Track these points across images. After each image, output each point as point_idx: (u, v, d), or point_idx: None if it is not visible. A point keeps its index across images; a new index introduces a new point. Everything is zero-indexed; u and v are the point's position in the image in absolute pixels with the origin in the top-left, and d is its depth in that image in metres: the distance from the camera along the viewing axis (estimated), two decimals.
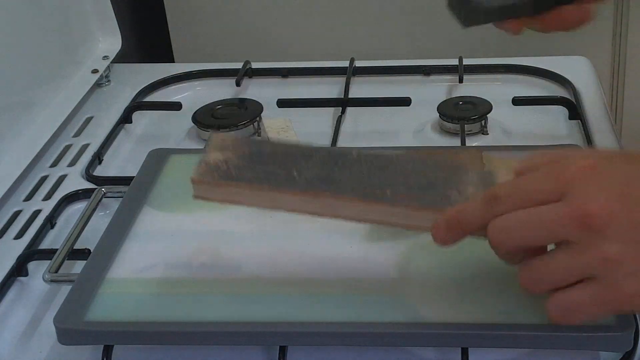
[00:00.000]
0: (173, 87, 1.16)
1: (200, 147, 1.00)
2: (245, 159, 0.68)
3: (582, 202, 0.57)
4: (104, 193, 0.88)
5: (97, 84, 1.15)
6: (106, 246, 0.76)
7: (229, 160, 0.67)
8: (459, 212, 0.63)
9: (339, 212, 0.66)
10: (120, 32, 1.18)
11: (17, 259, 0.82)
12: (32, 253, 0.83)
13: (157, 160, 0.89)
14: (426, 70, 1.13)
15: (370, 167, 0.68)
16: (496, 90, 1.09)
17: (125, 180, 0.88)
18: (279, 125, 0.85)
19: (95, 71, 1.14)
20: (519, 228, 0.59)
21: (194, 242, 0.74)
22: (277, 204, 0.66)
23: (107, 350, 0.68)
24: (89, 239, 0.81)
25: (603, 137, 0.97)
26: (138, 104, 1.10)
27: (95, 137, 1.04)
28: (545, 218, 0.58)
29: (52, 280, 0.77)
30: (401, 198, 0.65)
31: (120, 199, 0.84)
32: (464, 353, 0.66)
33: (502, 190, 0.61)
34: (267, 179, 0.66)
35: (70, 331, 0.68)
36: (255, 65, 1.17)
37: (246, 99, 1.09)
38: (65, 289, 0.73)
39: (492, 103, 1.01)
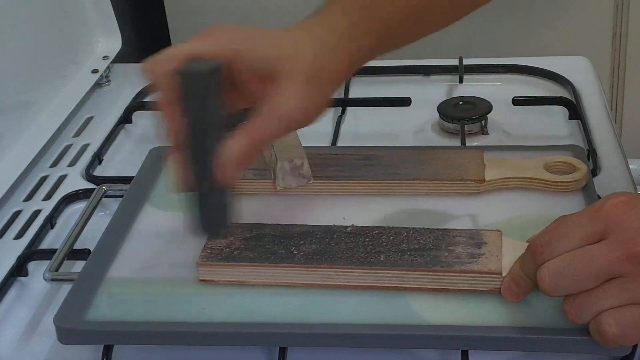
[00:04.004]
0: None
1: None
2: (246, 242, 0.73)
3: (627, 241, 0.59)
4: (105, 191, 0.88)
5: (97, 84, 1.15)
6: (107, 245, 0.76)
7: (231, 245, 0.72)
8: (517, 267, 0.65)
9: (337, 281, 0.70)
10: (120, 32, 1.18)
11: (17, 259, 0.82)
12: (32, 253, 0.83)
13: (158, 158, 0.89)
14: (426, 70, 1.13)
15: (363, 238, 0.72)
16: (496, 90, 1.09)
17: (126, 180, 0.88)
18: None
19: (95, 71, 1.14)
20: (568, 272, 0.60)
21: (195, 242, 0.74)
22: (279, 279, 0.70)
23: (107, 350, 0.69)
24: (89, 239, 0.81)
25: (603, 137, 0.97)
26: (138, 104, 1.10)
27: (95, 137, 1.04)
28: (594, 262, 0.59)
29: (52, 279, 0.77)
30: (395, 262, 0.69)
31: (121, 198, 0.84)
32: (464, 355, 0.66)
33: (544, 238, 0.62)
34: (268, 258, 0.70)
35: (70, 330, 0.68)
36: None
37: None
38: (65, 289, 0.73)
39: (492, 103, 1.01)
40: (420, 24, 0.77)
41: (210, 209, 0.71)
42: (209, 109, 0.69)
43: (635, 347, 0.64)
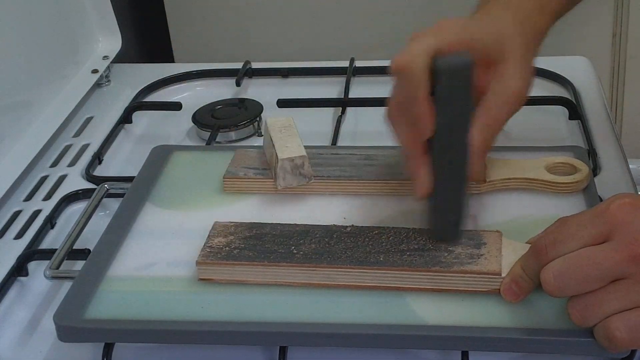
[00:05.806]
0: (173, 87, 1.16)
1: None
2: (246, 241, 0.73)
3: (632, 242, 0.58)
4: (107, 189, 0.88)
5: (97, 84, 1.15)
6: (107, 243, 0.76)
7: (231, 244, 0.72)
8: (519, 268, 0.65)
9: (336, 281, 0.70)
10: (120, 32, 1.18)
11: (17, 259, 0.82)
12: (32, 253, 0.83)
13: (160, 156, 0.89)
14: None
15: (363, 238, 0.72)
16: None
17: (125, 180, 0.88)
18: (282, 124, 0.85)
19: (95, 71, 1.14)
20: (573, 273, 0.60)
21: (195, 240, 0.74)
22: (279, 278, 0.70)
23: (108, 349, 0.69)
24: (89, 239, 0.81)
25: (603, 137, 0.97)
26: (138, 104, 1.10)
27: (95, 137, 1.04)
28: (599, 263, 0.59)
29: (53, 277, 0.77)
30: (394, 262, 0.69)
31: (122, 197, 0.84)
32: (464, 356, 0.66)
33: (549, 238, 0.62)
34: (268, 257, 0.70)
35: (69, 328, 0.68)
36: (255, 65, 1.17)
37: (246, 99, 1.09)
38: (65, 289, 0.73)
39: None
40: None
41: (451, 212, 0.70)
42: (469, 103, 0.68)
43: (634, 350, 0.64)
